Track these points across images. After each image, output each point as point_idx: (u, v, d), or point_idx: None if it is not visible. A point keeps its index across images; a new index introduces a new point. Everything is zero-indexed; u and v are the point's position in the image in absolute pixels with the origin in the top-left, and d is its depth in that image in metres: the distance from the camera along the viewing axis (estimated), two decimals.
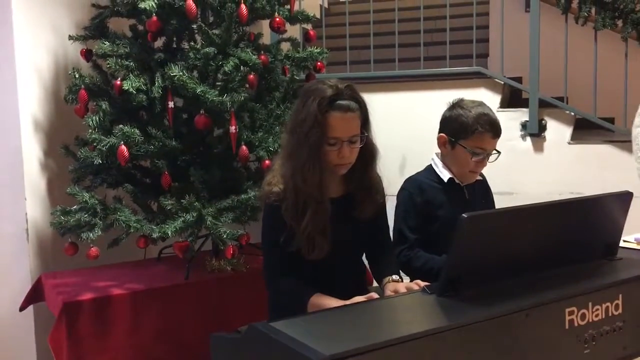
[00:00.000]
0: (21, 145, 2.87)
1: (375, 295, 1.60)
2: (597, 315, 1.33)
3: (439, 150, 2.14)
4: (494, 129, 2.01)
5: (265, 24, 2.95)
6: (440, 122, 2.11)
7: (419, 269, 2.00)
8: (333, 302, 1.65)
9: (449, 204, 2.07)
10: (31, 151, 2.92)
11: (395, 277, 1.82)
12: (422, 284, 1.58)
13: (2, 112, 2.89)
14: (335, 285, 1.76)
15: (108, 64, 2.56)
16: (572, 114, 3.43)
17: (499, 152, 2.05)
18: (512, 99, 3.83)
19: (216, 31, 2.58)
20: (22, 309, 2.73)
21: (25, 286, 2.80)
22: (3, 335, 2.95)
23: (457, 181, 2.11)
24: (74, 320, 2.32)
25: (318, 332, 1.14)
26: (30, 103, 2.91)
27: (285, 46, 3.11)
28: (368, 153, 1.82)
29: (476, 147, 2.01)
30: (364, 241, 1.92)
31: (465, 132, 2.01)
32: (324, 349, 1.01)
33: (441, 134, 2.09)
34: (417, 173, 2.18)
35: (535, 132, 3.40)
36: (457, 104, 2.07)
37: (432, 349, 1.10)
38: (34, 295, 2.72)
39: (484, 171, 2.22)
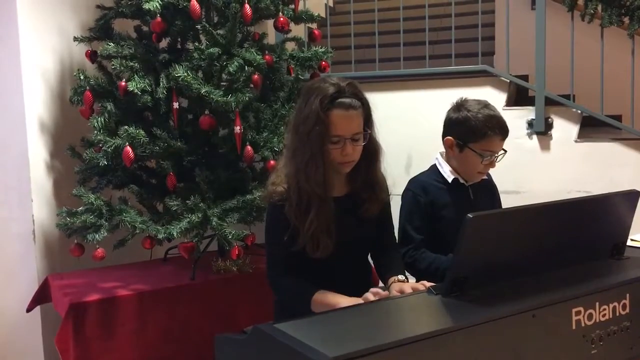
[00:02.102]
0: (27, 147, 2.88)
1: (371, 293, 1.58)
2: (604, 315, 1.32)
3: (442, 150, 2.13)
4: (503, 131, 2.00)
5: (269, 23, 2.94)
6: (446, 124, 2.09)
7: (424, 269, 1.99)
8: (337, 298, 1.65)
9: (453, 205, 2.06)
10: (37, 153, 2.93)
11: (400, 277, 1.81)
12: (428, 284, 1.57)
13: (8, 114, 2.90)
14: (339, 285, 1.76)
15: (113, 65, 2.57)
16: (579, 111, 3.41)
17: (505, 151, 2.04)
18: (519, 97, 3.81)
19: (220, 31, 2.58)
20: (29, 309, 2.74)
21: (32, 287, 2.82)
22: (11, 335, 2.96)
23: (461, 181, 2.09)
24: (81, 321, 2.33)
25: (322, 333, 1.14)
26: (36, 105, 2.92)
27: (290, 46, 3.11)
28: (371, 151, 1.82)
29: (486, 150, 1.99)
30: (368, 240, 1.92)
31: (474, 136, 1.99)
32: (328, 351, 1.00)
33: (448, 137, 2.07)
34: (421, 173, 2.16)
35: (541, 130, 3.39)
36: (462, 105, 2.05)
37: (437, 350, 1.09)
38: (41, 296, 2.73)
39: (490, 170, 2.20)
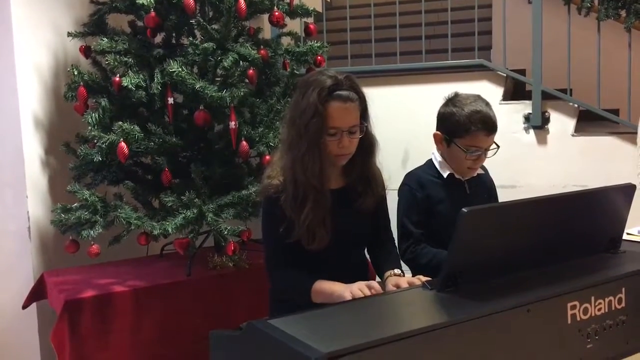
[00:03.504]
0: (22, 144, 2.86)
1: (374, 284, 1.58)
2: (599, 310, 1.31)
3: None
4: (488, 127, 1.97)
5: (265, 18, 2.93)
6: (437, 119, 2.09)
7: (426, 265, 1.97)
8: (336, 286, 1.64)
9: (449, 200, 2.05)
10: (32, 149, 2.92)
11: (397, 271, 1.81)
12: (424, 279, 1.56)
13: (2, 111, 2.88)
14: (335, 278, 1.75)
15: (107, 60, 2.55)
16: (576, 105, 3.40)
17: (498, 146, 2.02)
18: (515, 91, 3.81)
19: (215, 26, 2.57)
20: (24, 306, 2.73)
21: (27, 284, 2.81)
22: (7, 333, 2.95)
23: (457, 176, 2.08)
24: (76, 317, 2.32)
25: (316, 329, 1.13)
26: (31, 101, 2.91)
27: (286, 40, 3.09)
28: (367, 144, 1.82)
29: (470, 146, 1.97)
30: (364, 233, 1.91)
31: (458, 131, 1.97)
32: (322, 347, 1.00)
33: (436, 132, 2.06)
34: (417, 168, 2.16)
35: (538, 124, 3.38)
36: (450, 100, 2.04)
37: (432, 345, 1.08)
38: (37, 293, 2.72)
39: (487, 165, 2.20)
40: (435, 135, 2.07)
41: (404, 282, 1.67)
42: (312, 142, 1.69)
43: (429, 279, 1.47)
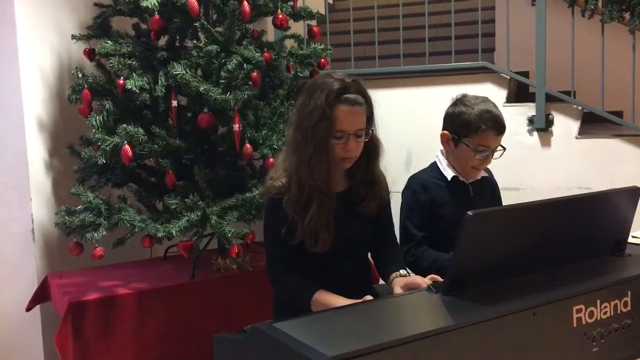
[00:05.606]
0: (26, 146, 2.87)
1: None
2: (605, 313, 1.31)
3: (443, 148, 2.12)
4: (498, 126, 1.98)
5: (268, 21, 2.94)
6: (444, 119, 2.09)
7: (427, 267, 1.98)
8: (337, 300, 1.64)
9: (453, 202, 2.05)
10: (36, 152, 2.92)
11: (402, 272, 1.81)
12: (439, 279, 1.56)
13: (6, 113, 2.89)
14: (338, 281, 1.76)
15: (111, 63, 2.55)
16: (580, 108, 3.39)
17: (504, 148, 2.02)
18: (519, 93, 3.80)
19: (219, 29, 2.57)
20: (28, 309, 2.74)
21: (31, 286, 2.81)
22: (10, 335, 2.95)
23: (461, 179, 2.08)
24: (80, 320, 2.32)
25: (321, 333, 1.13)
26: (35, 103, 2.91)
27: (290, 43, 3.10)
28: (372, 148, 1.82)
29: (479, 145, 1.98)
30: (367, 237, 1.91)
31: (468, 130, 1.98)
32: (327, 350, 1.00)
33: (444, 131, 2.06)
34: (421, 171, 2.16)
35: (542, 126, 3.37)
36: (459, 100, 2.05)
37: (437, 349, 1.08)
38: (41, 295, 2.73)
39: (491, 167, 2.19)
40: (442, 135, 2.07)
41: (423, 282, 1.66)
42: (318, 145, 1.69)
43: (441, 280, 1.46)
